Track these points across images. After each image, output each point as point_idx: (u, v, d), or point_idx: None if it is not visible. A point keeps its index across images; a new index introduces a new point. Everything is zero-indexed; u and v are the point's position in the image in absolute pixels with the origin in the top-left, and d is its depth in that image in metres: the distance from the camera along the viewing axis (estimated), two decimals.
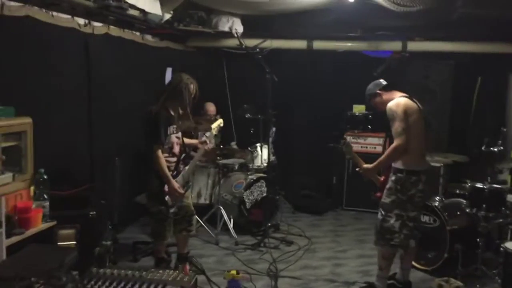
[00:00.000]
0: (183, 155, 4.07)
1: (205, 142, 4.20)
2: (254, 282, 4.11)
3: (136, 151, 4.90)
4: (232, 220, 5.44)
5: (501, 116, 6.32)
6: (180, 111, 4.00)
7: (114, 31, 4.79)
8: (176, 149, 4.01)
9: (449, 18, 5.13)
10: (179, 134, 4.08)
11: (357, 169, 4.06)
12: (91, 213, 3.68)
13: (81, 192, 3.92)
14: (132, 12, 4.50)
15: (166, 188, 3.83)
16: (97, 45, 4.54)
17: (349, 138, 6.50)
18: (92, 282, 1.98)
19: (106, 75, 4.74)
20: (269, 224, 5.46)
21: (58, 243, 3.42)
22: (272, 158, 5.83)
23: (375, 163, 3.89)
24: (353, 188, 6.49)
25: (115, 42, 4.84)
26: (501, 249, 4.02)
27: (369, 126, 6.56)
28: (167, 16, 5.10)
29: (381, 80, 4.02)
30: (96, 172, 4.66)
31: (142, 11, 4.59)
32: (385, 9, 4.99)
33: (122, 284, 1.95)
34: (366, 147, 6.48)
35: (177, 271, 2.05)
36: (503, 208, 4.34)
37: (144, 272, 2.04)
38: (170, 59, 6.16)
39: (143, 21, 4.85)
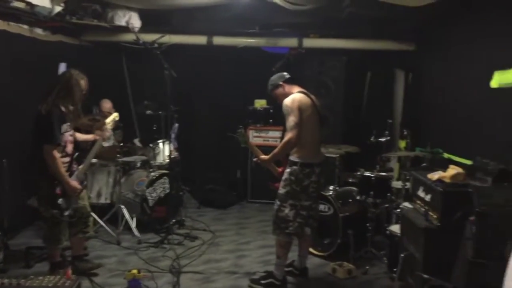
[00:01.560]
0: (76, 154, 3.93)
1: (103, 131, 4.10)
2: (157, 280, 4.08)
3: (26, 152, 4.62)
4: (134, 219, 5.34)
5: (389, 109, 6.82)
6: (71, 108, 3.85)
7: None
8: (69, 148, 3.87)
9: (339, 16, 5.42)
10: (72, 132, 3.93)
11: (254, 159, 4.19)
12: None
13: None
14: (17, 4, 4.24)
15: (58, 190, 3.67)
16: None
17: (251, 132, 6.67)
18: None
19: None
20: (173, 221, 5.44)
21: None
22: (175, 154, 5.80)
23: (270, 155, 4.05)
24: (257, 181, 6.65)
25: None
26: (387, 232, 4.38)
27: (270, 120, 6.75)
28: (58, 8, 4.85)
29: (285, 73, 4.18)
30: None
31: (29, 3, 4.34)
32: (280, 7, 5.16)
33: None
34: (268, 140, 6.66)
35: (58, 276, 1.98)
36: (388, 194, 4.71)
37: (23, 280, 1.96)
38: (64, 54, 5.86)
39: (31, 14, 4.58)
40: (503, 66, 3.83)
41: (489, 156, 3.46)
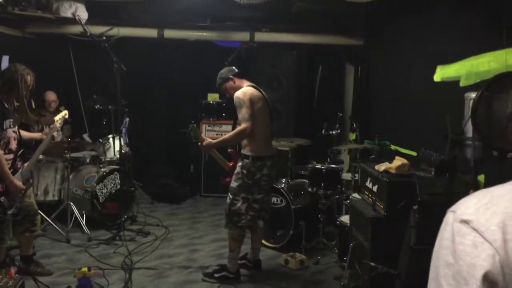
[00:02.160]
0: (21, 151, 3.79)
1: (49, 133, 3.98)
2: (108, 277, 4.01)
3: None
4: (84, 216, 5.21)
5: (339, 102, 6.97)
6: (16, 104, 3.72)
7: None
8: (13, 144, 3.72)
9: (290, 10, 5.48)
10: (16, 129, 3.78)
11: (199, 143, 4.14)
12: None
13: None
14: None
15: (1, 187, 3.53)
16: None
17: (204, 126, 6.65)
18: None
19: None
20: (125, 217, 5.35)
21: None
22: (126, 149, 5.70)
23: (218, 139, 4.11)
24: (210, 175, 6.63)
25: None
26: (338, 222, 4.49)
27: (223, 114, 6.74)
28: None
29: (234, 67, 4.18)
30: None
31: None
32: (232, 0, 5.16)
33: None
34: (221, 134, 6.63)
35: (0, 276, 1.92)
36: (339, 186, 4.83)
37: None
38: (6, 46, 5.62)
39: None
40: (446, 61, 4.01)
41: (433, 147, 3.61)
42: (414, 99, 4.67)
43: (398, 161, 3.53)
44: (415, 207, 2.96)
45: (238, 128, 3.95)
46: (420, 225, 2.72)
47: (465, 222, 0.77)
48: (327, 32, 6.36)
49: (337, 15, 5.89)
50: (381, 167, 3.60)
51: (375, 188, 3.61)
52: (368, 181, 3.75)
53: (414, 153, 4.31)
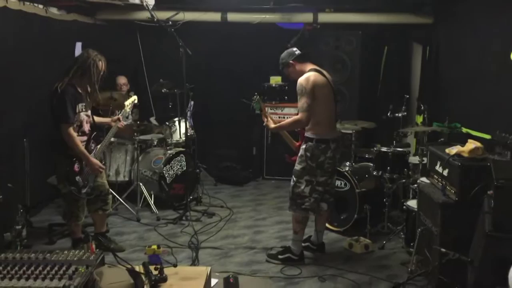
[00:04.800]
0: (94, 133, 3.98)
1: (118, 119, 4.14)
2: (176, 255, 4.17)
3: (46, 131, 4.71)
4: (152, 196, 5.42)
5: (406, 84, 6.73)
6: (88, 89, 3.90)
7: (13, 4, 4.48)
8: (86, 127, 3.92)
9: None
10: (89, 112, 3.97)
11: (264, 124, 4.22)
12: None
13: None
14: None
15: (76, 167, 3.74)
16: None
17: (267, 109, 6.65)
18: None
19: (6, 52, 4.45)
20: (191, 198, 5.51)
21: None
22: (191, 132, 5.84)
23: (277, 124, 4.13)
24: (273, 158, 6.67)
25: (15, 16, 4.54)
26: (404, 207, 4.38)
27: (286, 97, 6.71)
28: None
29: (294, 49, 4.06)
30: (1, 154, 4.42)
31: None
32: None
33: (24, 268, 1.90)
34: (284, 117, 6.62)
35: (82, 250, 2.04)
36: (405, 170, 4.69)
37: (48, 254, 2.01)
38: (79, 33, 5.88)
39: None
40: None
41: (509, 130, 3.41)
42: (489, 78, 4.41)
43: (471, 144, 3.37)
44: (490, 192, 2.83)
45: (294, 118, 3.96)
46: (497, 211, 2.59)
47: None
48: (393, 11, 6.12)
49: None
50: (453, 150, 3.46)
51: (445, 172, 3.48)
52: (438, 165, 3.62)
53: (488, 136, 4.09)
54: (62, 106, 3.65)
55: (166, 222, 5.05)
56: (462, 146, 3.44)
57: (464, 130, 4.68)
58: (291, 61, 4.03)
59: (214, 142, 7.10)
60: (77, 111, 3.77)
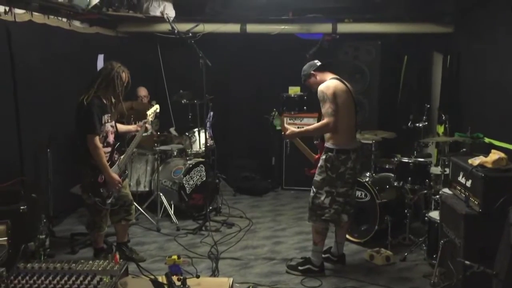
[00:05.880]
0: (117, 144, 4.03)
1: (144, 123, 4.21)
2: (196, 266, 4.17)
3: (70, 141, 4.79)
4: (172, 206, 5.45)
5: (426, 93, 6.67)
6: (113, 100, 3.96)
7: (38, 18, 4.61)
8: (111, 138, 3.97)
9: None
10: (113, 123, 4.03)
11: (282, 133, 4.17)
12: (22, 207, 3.57)
13: (11, 186, 3.80)
14: None
15: (100, 179, 3.79)
16: (20, 33, 4.35)
17: (285, 120, 6.66)
18: (20, 278, 1.95)
19: (31, 64, 4.57)
20: (210, 208, 5.52)
21: None
22: (210, 142, 5.87)
23: (301, 129, 4.15)
24: (292, 168, 6.65)
25: (40, 30, 4.66)
26: (426, 218, 4.32)
27: (305, 107, 6.71)
28: (95, 1, 4.95)
29: (316, 61, 4.12)
30: (26, 165, 4.52)
31: None
32: None
33: (50, 278, 1.94)
34: (303, 127, 6.61)
35: (107, 260, 2.06)
36: (427, 180, 4.64)
37: (73, 264, 2.04)
38: (101, 45, 6.00)
39: (69, 7, 4.70)
40: None
41: None
42: (511, 88, 4.35)
43: (495, 155, 3.33)
44: None
45: (321, 122, 3.93)
46: None
47: None
48: (413, 21, 6.09)
49: (423, 1, 5.62)
50: (476, 161, 3.41)
51: (468, 183, 3.43)
52: (461, 175, 3.56)
53: (511, 147, 4.03)
54: (89, 117, 3.71)
55: (186, 232, 5.07)
56: (485, 157, 3.39)
57: (486, 140, 4.61)
58: (312, 72, 4.06)
59: (233, 152, 7.13)
60: (103, 122, 3.83)
